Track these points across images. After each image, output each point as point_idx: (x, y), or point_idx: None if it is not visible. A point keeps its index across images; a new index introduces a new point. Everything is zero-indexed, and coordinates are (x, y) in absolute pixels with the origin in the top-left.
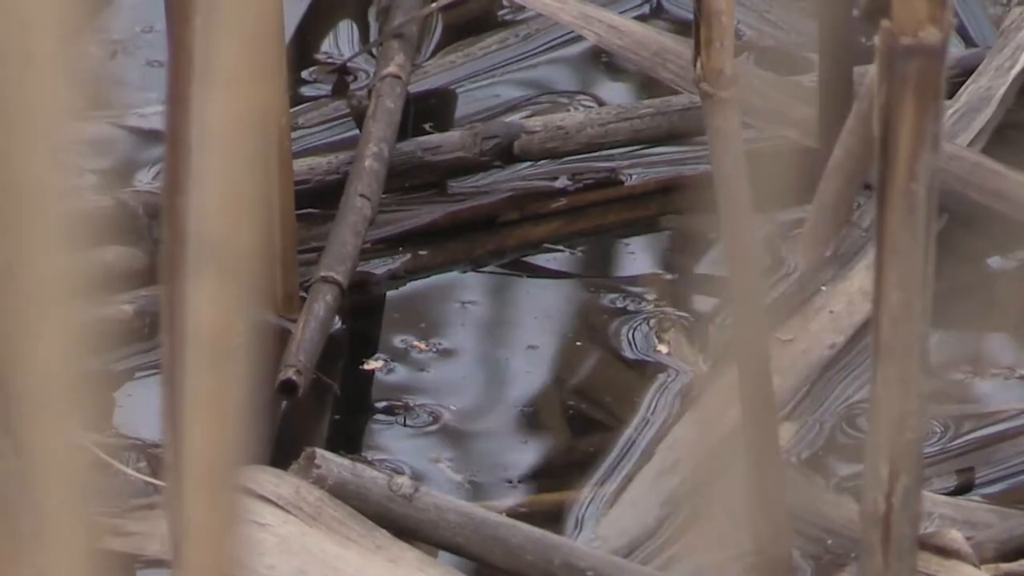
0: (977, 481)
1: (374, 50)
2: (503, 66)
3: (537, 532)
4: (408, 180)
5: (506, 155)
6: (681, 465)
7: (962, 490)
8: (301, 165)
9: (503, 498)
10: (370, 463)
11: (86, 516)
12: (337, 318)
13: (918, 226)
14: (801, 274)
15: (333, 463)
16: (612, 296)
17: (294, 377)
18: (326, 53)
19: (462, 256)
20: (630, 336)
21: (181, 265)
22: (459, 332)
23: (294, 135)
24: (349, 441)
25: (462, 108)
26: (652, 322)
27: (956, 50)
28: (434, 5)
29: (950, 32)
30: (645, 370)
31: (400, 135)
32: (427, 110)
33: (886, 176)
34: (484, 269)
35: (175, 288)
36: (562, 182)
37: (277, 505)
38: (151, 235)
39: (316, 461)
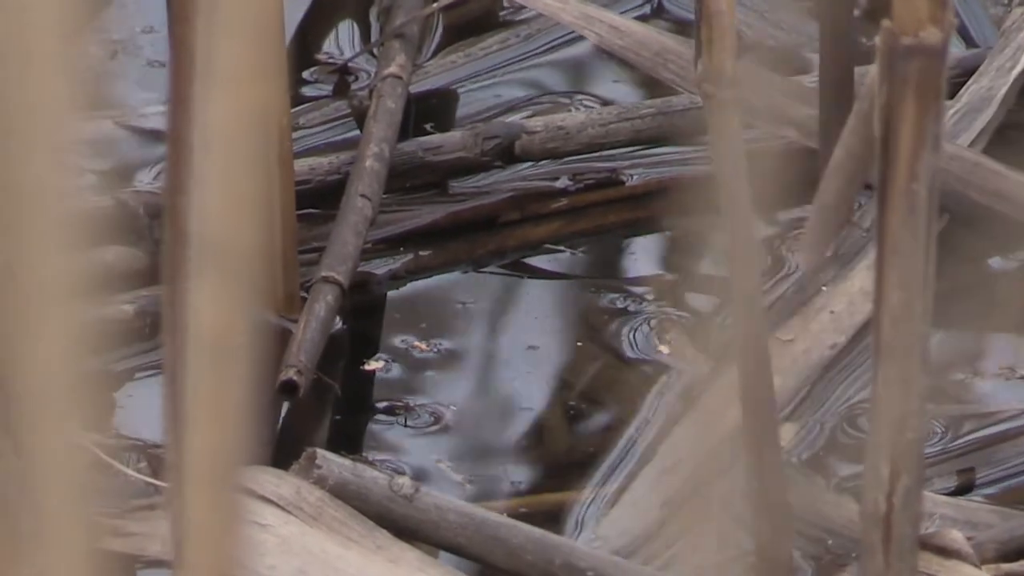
0: (978, 481)
1: (375, 50)
2: (504, 66)
3: (538, 532)
4: (409, 180)
5: (507, 155)
6: (682, 465)
7: (963, 490)
8: (302, 165)
9: (504, 498)
10: (371, 463)
11: (86, 516)
12: (338, 318)
13: (919, 226)
14: (802, 274)
15: (334, 463)
16: (613, 296)
17: (295, 377)
18: (327, 53)
19: (463, 256)
20: (631, 336)
21: (182, 265)
22: (460, 332)
23: (295, 135)
24: (350, 441)
25: (463, 108)
26: (653, 322)
27: (957, 50)
28: (435, 5)
29: (951, 32)
30: (646, 370)
31: (401, 135)
32: (428, 110)
33: (887, 176)
34: (485, 269)
35: (176, 288)
36: (563, 182)
37: (278, 505)
38: (152, 235)
39: (317, 461)
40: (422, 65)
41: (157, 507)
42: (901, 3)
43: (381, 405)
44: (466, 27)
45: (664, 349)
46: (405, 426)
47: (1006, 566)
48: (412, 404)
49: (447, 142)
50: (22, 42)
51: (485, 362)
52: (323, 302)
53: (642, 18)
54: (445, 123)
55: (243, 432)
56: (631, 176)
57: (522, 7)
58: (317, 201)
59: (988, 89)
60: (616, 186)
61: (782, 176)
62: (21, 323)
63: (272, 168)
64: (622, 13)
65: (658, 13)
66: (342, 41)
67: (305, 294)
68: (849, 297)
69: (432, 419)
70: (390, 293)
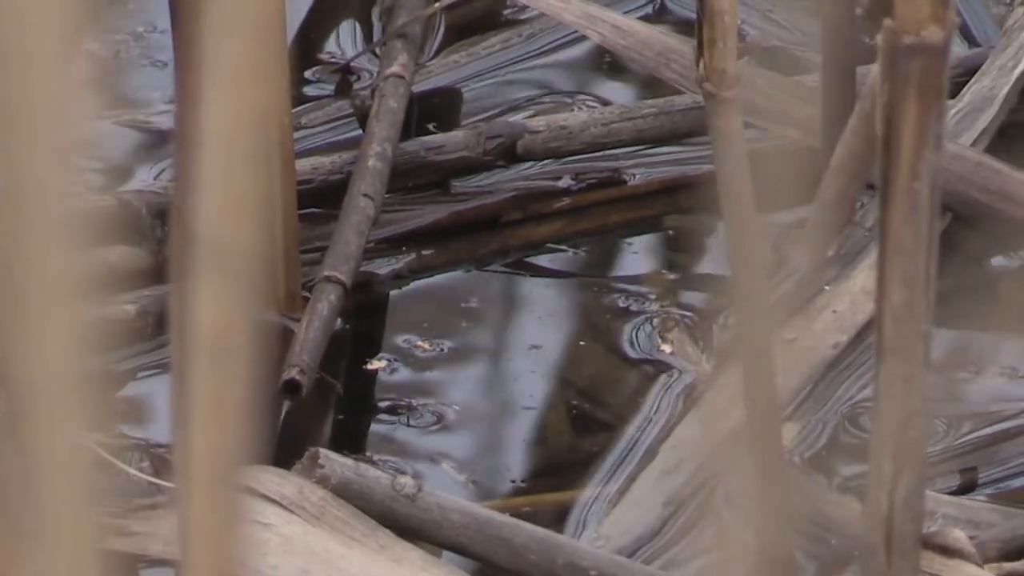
0: (980, 480)
1: (377, 50)
2: (506, 66)
3: (540, 532)
4: (411, 180)
5: (509, 155)
6: (684, 465)
7: (965, 489)
8: (304, 165)
9: (506, 498)
10: (373, 463)
11: (89, 516)
12: (340, 318)
13: (921, 225)
14: (804, 273)
15: (336, 463)
16: (615, 296)
17: (297, 377)
18: (329, 53)
19: (465, 256)
20: (633, 336)
21: (185, 265)
22: (462, 332)
23: (297, 135)
24: (352, 441)
25: (466, 108)
26: (655, 322)
27: (959, 49)
28: (437, 5)
29: (953, 31)
30: (648, 370)
31: (403, 135)
32: (431, 110)
33: (889, 175)
34: (487, 269)
35: (180, 288)
36: (565, 182)
37: (280, 505)
38: (154, 235)
39: (319, 461)
40: (424, 65)
41: (160, 506)
42: (903, 2)
43: (384, 405)
44: (468, 27)
45: (666, 348)
46: (408, 425)
47: (1008, 565)
48: (415, 404)
49: (450, 142)
50: (23, 41)
51: (488, 361)
52: (325, 301)
53: (645, 18)
54: (448, 123)
55: (245, 431)
56: (633, 176)
57: (524, 7)
58: (319, 201)
59: (990, 88)
60: (618, 185)
61: (784, 175)
62: (23, 322)
63: (274, 168)
64: (625, 13)
65: (661, 13)
66: (344, 41)
67: (307, 294)
68: (851, 296)
69: (435, 418)
70: (392, 293)
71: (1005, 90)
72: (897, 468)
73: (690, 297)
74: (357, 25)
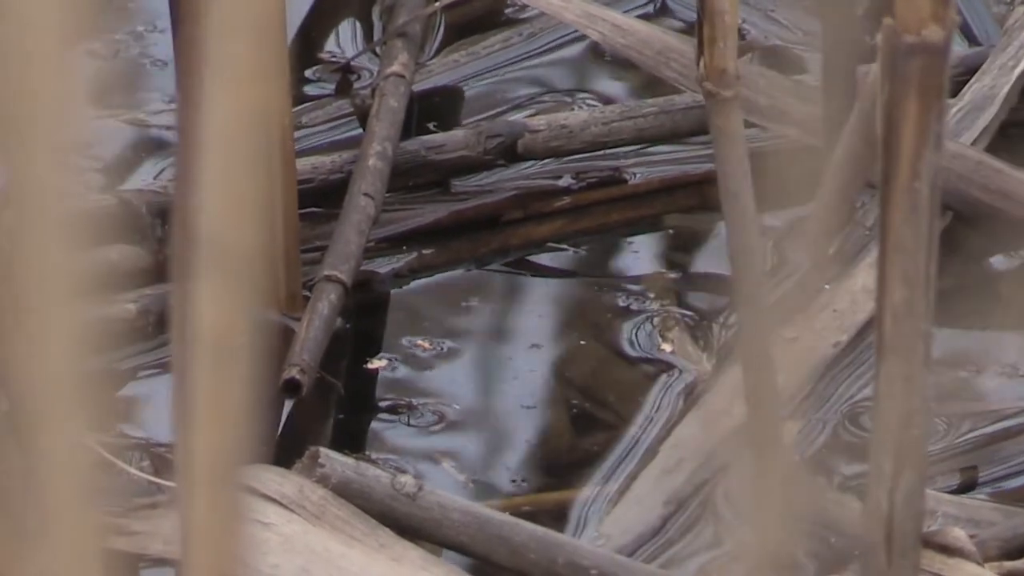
0: (981, 479)
1: (378, 49)
2: (507, 65)
3: (541, 531)
4: (412, 179)
5: (510, 154)
6: (685, 464)
7: (966, 488)
8: (304, 164)
9: (507, 497)
10: (374, 462)
11: (90, 515)
12: (341, 317)
13: (921, 224)
14: (804, 272)
15: (337, 462)
16: (616, 295)
17: (298, 376)
18: (330, 52)
19: (466, 255)
20: (634, 335)
21: (186, 264)
22: (463, 331)
23: (297, 134)
24: (353, 440)
25: (466, 107)
26: (656, 321)
27: (959, 48)
28: (437, 4)
29: (953, 30)
30: (649, 369)
31: (404, 134)
32: (431, 109)
33: (889, 174)
34: (488, 268)
35: (181, 287)
36: (566, 181)
37: (281, 504)
38: (155, 234)
39: (320, 460)
40: (425, 64)
41: (160, 506)
42: (903, 1)
43: (384, 404)
44: (468, 26)
45: (667, 347)
46: (408, 425)
47: (1009, 564)
48: (415, 403)
49: (450, 141)
50: (23, 41)
51: (488, 361)
52: (326, 301)
53: (645, 17)
54: (448, 122)
55: (246, 431)
56: (634, 175)
57: (525, 6)
58: (320, 200)
59: (990, 87)
60: (619, 185)
61: (785, 174)
62: (24, 322)
63: (274, 167)
64: (625, 12)
65: (661, 12)
66: (344, 40)
67: (308, 293)
68: (852, 295)
69: (435, 418)
70: (393, 292)
71: (1006, 89)
72: (898, 467)
73: (691, 296)
74: (357, 24)
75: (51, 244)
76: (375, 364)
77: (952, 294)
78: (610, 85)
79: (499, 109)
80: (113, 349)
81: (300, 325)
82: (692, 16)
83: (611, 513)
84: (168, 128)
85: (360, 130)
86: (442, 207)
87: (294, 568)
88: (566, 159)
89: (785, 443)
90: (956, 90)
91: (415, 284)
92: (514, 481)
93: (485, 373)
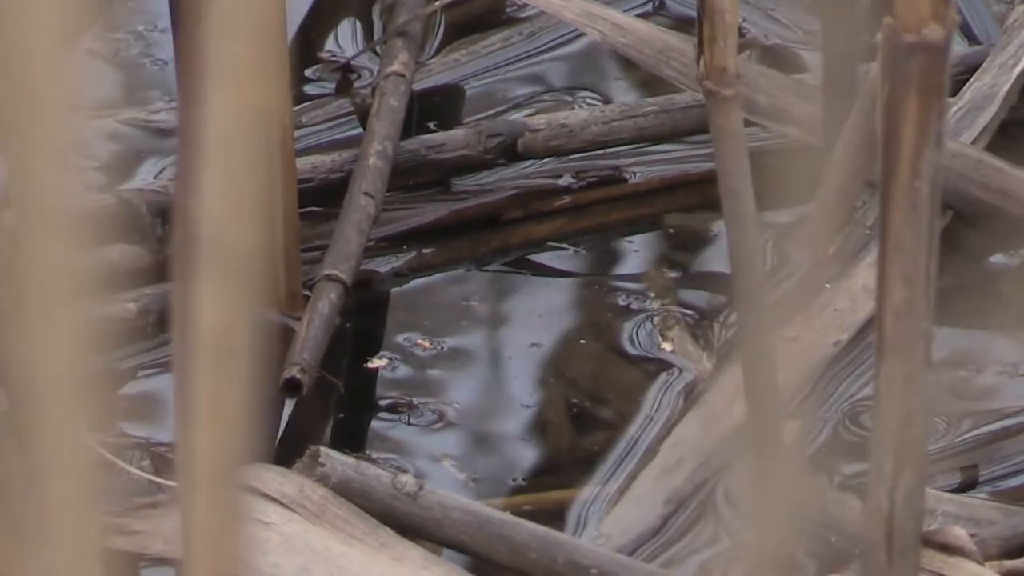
0: (981, 478)
1: (378, 48)
2: (507, 64)
3: (541, 530)
4: (412, 178)
5: (510, 153)
6: (685, 463)
7: (966, 487)
8: (305, 163)
9: (507, 496)
10: (374, 461)
11: (90, 514)
12: (341, 316)
13: (921, 223)
14: (805, 271)
15: (337, 461)
16: (616, 294)
17: (298, 375)
18: (330, 51)
19: (466, 254)
20: (634, 334)
21: (186, 264)
22: (463, 330)
23: (298, 133)
24: (353, 439)
25: (466, 106)
26: (656, 320)
27: (959, 47)
28: (437, 3)
29: (953, 29)
30: (649, 368)
31: (404, 133)
32: (431, 108)
33: (889, 173)
34: (488, 267)
35: (182, 287)
36: (566, 180)
37: (281, 503)
38: (155, 233)
39: (320, 459)
40: (425, 63)
41: (161, 505)
42: (903, 0)
43: (384, 403)
44: (468, 25)
45: (667, 347)
46: (408, 424)
47: (1009, 563)
48: (415, 402)
49: (450, 140)
50: (24, 40)
51: (488, 360)
52: (326, 300)
53: (645, 16)
54: (448, 121)
55: (246, 430)
56: (634, 174)
57: (525, 5)
58: (320, 199)
59: (990, 86)
60: (619, 184)
61: (785, 173)
62: (24, 321)
63: (275, 166)
64: (625, 11)
65: (660, 11)
66: (345, 39)
67: (308, 292)
68: (852, 294)
69: (435, 417)
70: (393, 291)
71: (1005, 88)
72: (898, 466)
73: (691, 295)
74: (357, 23)
75: (51, 244)
76: (375, 363)
77: (952, 293)
78: (610, 84)
79: (499, 108)
80: (113, 348)
81: (300, 324)
82: (692, 15)
83: (611, 512)
84: (168, 128)
85: (360, 129)
86: (442, 206)
87: (295, 567)
88: (566, 158)
89: (785, 442)
90: (956, 89)
91: (415, 283)
92: (514, 480)
93: (485, 372)
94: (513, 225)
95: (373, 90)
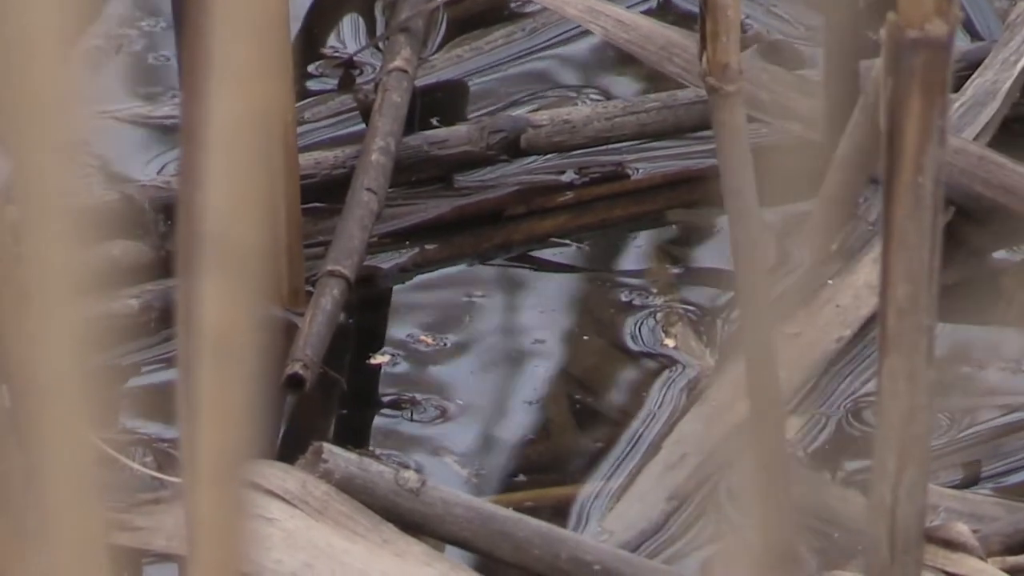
0: (984, 474)
1: (380, 44)
2: (510, 60)
3: (544, 526)
4: (415, 174)
5: (513, 149)
6: (688, 459)
7: (969, 483)
8: (307, 159)
9: (510, 492)
10: (377, 457)
11: (93, 511)
12: (343, 312)
13: (924, 219)
14: (807, 268)
15: (340, 457)
16: (618, 290)
17: (301, 371)
18: (332, 47)
19: (469, 250)
20: (637, 330)
21: (189, 260)
22: (466, 326)
23: (300, 129)
24: (356, 435)
25: (469, 102)
26: (659, 316)
27: (962, 43)
28: None
29: (957, 26)
30: (651, 364)
31: (407, 129)
32: (434, 104)
33: (892, 170)
34: (491, 263)
35: (186, 283)
36: (569, 176)
37: (284, 499)
38: (157, 229)
39: (323, 455)
40: (428, 59)
41: (163, 502)
42: None
43: (387, 399)
44: (471, 21)
45: (670, 343)
46: (411, 420)
47: (1012, 559)
48: (418, 398)
49: (453, 136)
50: (26, 36)
51: (491, 356)
52: (329, 296)
53: (647, 12)
54: (451, 117)
55: (249, 426)
56: (637, 170)
57: (528, 1)
58: (322, 195)
59: (993, 82)
60: (622, 180)
61: (788, 170)
62: (27, 318)
63: (277, 162)
64: (628, 7)
65: (663, 7)
66: (347, 35)
67: (311, 288)
68: (855, 290)
69: (438, 413)
70: (396, 287)
71: (1008, 84)
72: (901, 463)
73: (693, 291)
74: (360, 19)
75: (54, 240)
76: (378, 359)
77: (955, 289)
78: (613, 80)
79: (502, 104)
80: (116, 345)
81: (303, 320)
82: (694, 11)
83: (614, 509)
84: (171, 124)
85: (363, 125)
86: (445, 202)
87: (297, 563)
88: (569, 154)
89: (788, 439)
90: (958, 85)
91: (418, 279)
92: (517, 476)
93: (488, 368)
94: (516, 221)
95: (376, 86)
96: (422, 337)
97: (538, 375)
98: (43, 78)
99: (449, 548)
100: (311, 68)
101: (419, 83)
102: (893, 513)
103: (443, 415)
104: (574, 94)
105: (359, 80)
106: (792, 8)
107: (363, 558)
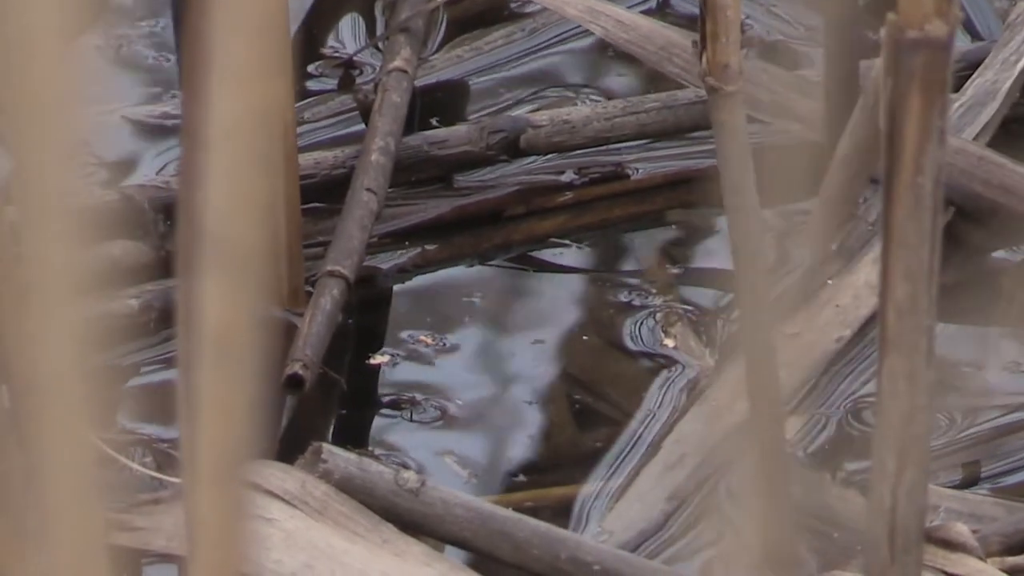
0: (983, 474)
1: (380, 44)
2: (509, 60)
3: (543, 526)
4: (414, 174)
5: (512, 149)
6: (687, 459)
7: (968, 483)
8: (307, 159)
9: (509, 492)
10: (376, 458)
11: (92, 511)
12: (343, 313)
13: (924, 219)
14: (807, 268)
15: (339, 458)
16: (618, 290)
17: (300, 372)
18: (332, 47)
19: (468, 250)
20: (636, 330)
21: (188, 260)
22: (465, 326)
23: (300, 130)
24: (355, 436)
25: (469, 102)
26: (658, 316)
27: (961, 43)
28: None
29: (957, 26)
30: (651, 364)
31: (406, 129)
32: (433, 104)
33: (892, 170)
34: (491, 263)
35: (186, 283)
36: (568, 176)
37: (283, 500)
38: (157, 229)
39: (322, 456)
40: (427, 59)
41: (163, 502)
42: None
43: (387, 399)
44: (471, 21)
45: (669, 343)
46: (411, 420)
47: (1011, 559)
48: (418, 398)
49: (453, 136)
50: (27, 36)
51: (490, 356)
52: (329, 296)
53: (647, 12)
54: (451, 117)
55: (249, 426)
56: (636, 170)
57: (528, 1)
58: (322, 195)
59: (993, 83)
60: (622, 180)
61: (787, 170)
62: (27, 317)
63: (277, 163)
64: (628, 7)
65: (663, 7)
66: (347, 35)
67: (310, 288)
68: (854, 290)
69: (438, 413)
70: (396, 287)
71: (1008, 84)
72: (901, 463)
73: (693, 292)
74: (360, 19)
75: (54, 240)
76: (377, 360)
77: (954, 289)
78: (612, 80)
79: (502, 104)
80: (115, 345)
81: (303, 320)
82: (694, 11)
83: (614, 509)
84: (171, 123)
85: (363, 125)
86: (445, 202)
87: (297, 564)
88: (569, 154)
89: (788, 439)
90: (958, 85)
91: (417, 279)
92: (516, 477)
93: (487, 369)
94: (515, 221)
95: (375, 86)
96: (422, 337)
97: (537, 375)
98: (43, 78)
99: (449, 548)
100: (311, 68)
101: (419, 83)
102: (893, 513)
103: (443, 415)
104: (574, 94)
105: (359, 80)
106: (792, 8)
107: (363, 558)
